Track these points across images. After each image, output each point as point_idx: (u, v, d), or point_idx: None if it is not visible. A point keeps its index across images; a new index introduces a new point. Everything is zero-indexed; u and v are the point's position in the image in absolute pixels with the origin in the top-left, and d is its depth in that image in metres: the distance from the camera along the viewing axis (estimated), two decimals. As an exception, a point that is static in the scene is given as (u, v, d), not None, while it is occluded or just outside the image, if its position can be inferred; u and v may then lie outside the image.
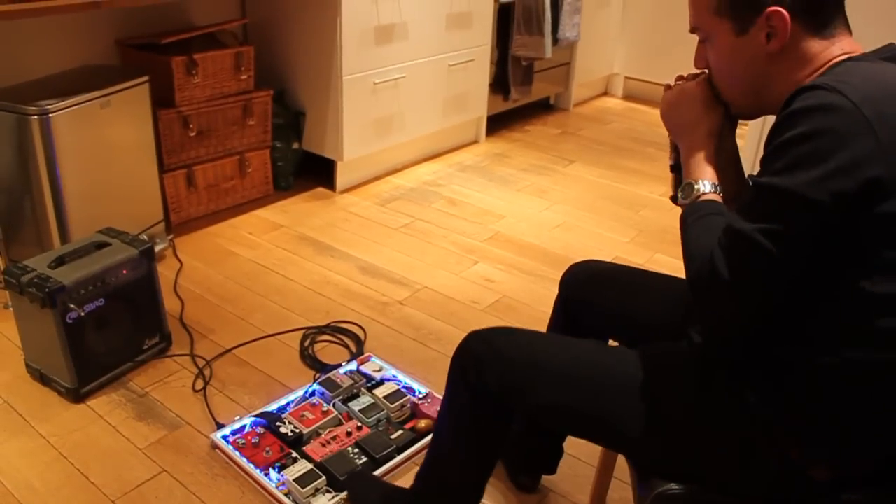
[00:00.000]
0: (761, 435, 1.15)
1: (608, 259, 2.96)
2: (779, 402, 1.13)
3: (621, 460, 1.81)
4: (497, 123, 4.38)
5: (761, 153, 1.09)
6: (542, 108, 4.82)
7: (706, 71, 1.27)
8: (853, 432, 1.10)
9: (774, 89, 1.15)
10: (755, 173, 1.10)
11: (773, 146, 1.05)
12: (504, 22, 4.00)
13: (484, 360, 1.35)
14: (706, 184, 1.22)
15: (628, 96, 5.17)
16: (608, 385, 1.27)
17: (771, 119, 1.12)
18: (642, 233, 3.20)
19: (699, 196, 1.21)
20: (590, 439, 1.34)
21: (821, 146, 0.99)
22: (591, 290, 1.57)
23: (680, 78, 1.34)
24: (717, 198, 1.21)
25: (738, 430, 1.16)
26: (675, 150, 1.34)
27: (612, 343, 1.57)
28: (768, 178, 1.03)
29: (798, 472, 1.14)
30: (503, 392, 1.34)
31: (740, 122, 1.35)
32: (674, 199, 1.34)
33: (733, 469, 1.17)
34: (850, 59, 1.10)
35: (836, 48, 1.12)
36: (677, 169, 1.33)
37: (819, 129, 0.99)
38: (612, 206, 3.45)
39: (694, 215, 1.19)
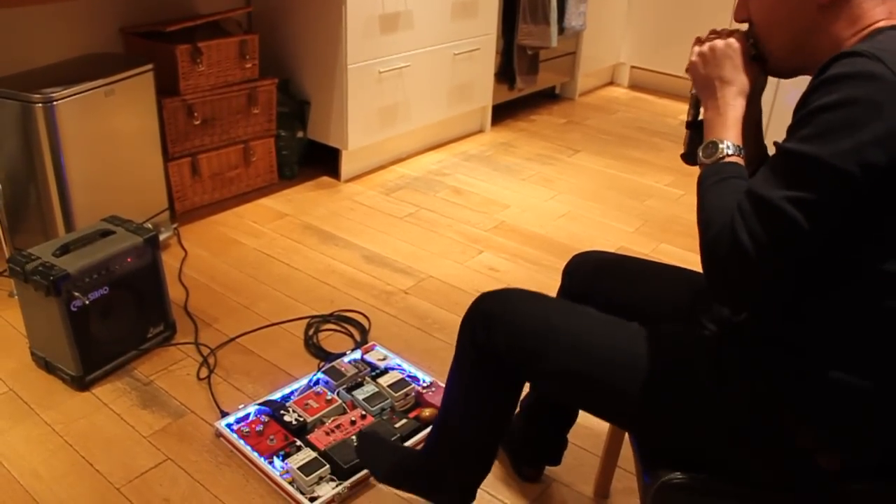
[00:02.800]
0: (771, 420, 1.14)
1: (613, 249, 2.95)
2: (791, 386, 1.12)
3: (626, 450, 1.81)
4: (502, 113, 4.36)
5: (773, 119, 1.06)
6: (548, 97, 4.81)
7: (740, 29, 1.24)
8: (865, 418, 1.09)
9: (818, 45, 1.11)
10: (779, 139, 1.07)
11: (806, 112, 1.02)
12: (510, 11, 3.98)
13: (496, 318, 1.35)
14: (730, 145, 1.18)
15: (634, 86, 5.14)
16: (620, 358, 1.26)
17: (796, 84, 1.08)
18: (647, 222, 3.19)
19: (723, 157, 1.17)
20: (596, 412, 1.33)
21: (855, 115, 0.96)
22: (595, 280, 1.56)
23: (713, 32, 1.29)
24: (740, 161, 1.17)
25: (748, 415, 1.16)
26: (693, 106, 1.30)
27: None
28: (797, 145, 1.01)
29: (807, 460, 1.13)
30: (513, 353, 1.34)
31: None
32: (685, 157, 1.31)
33: (741, 454, 1.17)
34: (893, 27, 1.06)
35: (884, 9, 1.08)
36: (693, 126, 1.29)
37: (855, 97, 0.96)
38: (617, 196, 3.44)
39: (715, 177, 1.15)
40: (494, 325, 1.35)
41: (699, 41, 1.29)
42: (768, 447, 1.14)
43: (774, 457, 1.14)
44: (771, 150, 1.32)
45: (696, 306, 1.39)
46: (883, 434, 1.11)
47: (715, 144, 1.18)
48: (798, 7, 1.11)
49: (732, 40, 1.24)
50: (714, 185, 1.14)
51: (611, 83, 5.22)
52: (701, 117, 1.29)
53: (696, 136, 1.28)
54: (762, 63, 1.24)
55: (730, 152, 1.17)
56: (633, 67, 5.10)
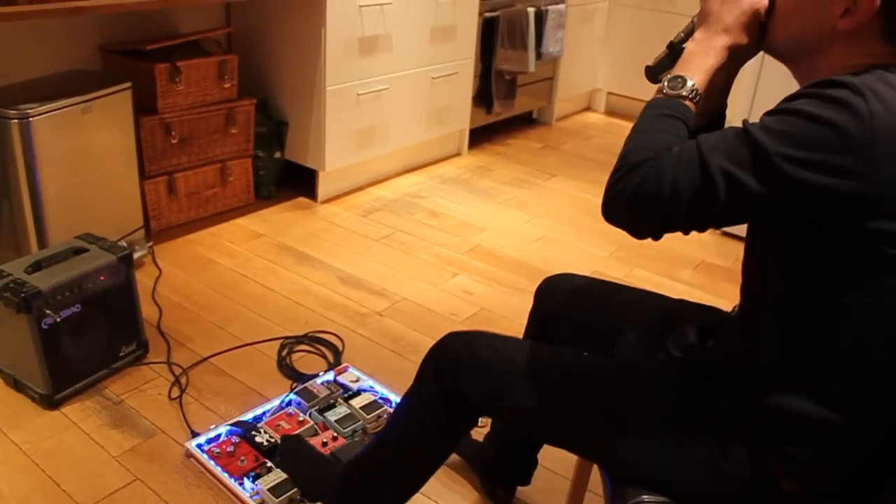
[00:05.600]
0: (735, 445, 1.16)
1: (587, 273, 2.97)
2: (752, 413, 1.14)
3: (596, 473, 1.81)
4: (479, 136, 4.39)
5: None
6: (525, 121, 4.85)
7: None
8: (825, 445, 1.11)
9: (817, 55, 1.13)
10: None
11: (784, 107, 1.05)
12: (488, 36, 4.02)
13: (462, 362, 1.36)
14: (694, 88, 1.19)
15: (610, 112, 5.20)
16: (584, 393, 1.27)
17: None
18: (622, 247, 3.22)
19: (682, 96, 1.18)
20: (564, 447, 1.35)
21: (819, 135, 0.99)
22: (566, 303, 1.58)
23: None
24: (693, 107, 1.19)
25: (713, 440, 1.17)
26: (687, 32, 1.29)
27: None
28: (757, 131, 1.04)
29: (770, 485, 1.15)
30: (477, 397, 1.35)
31: None
32: (649, 71, 1.31)
33: (706, 478, 1.18)
34: (886, 65, 1.07)
35: (888, 49, 1.08)
36: (673, 48, 1.29)
37: (829, 120, 0.99)
38: (592, 221, 3.47)
39: (665, 109, 1.18)
40: (460, 368, 1.35)
41: None
42: (732, 472, 1.16)
43: (738, 482, 1.16)
44: (730, 117, 1.34)
45: (663, 332, 1.41)
46: (843, 460, 1.13)
47: (683, 80, 1.19)
48: (819, 18, 1.11)
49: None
50: (661, 117, 1.17)
51: (587, 109, 5.28)
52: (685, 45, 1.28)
53: (670, 61, 1.28)
54: (763, 34, 1.23)
55: (690, 95, 1.19)
56: (609, 93, 5.16)
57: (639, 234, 1.14)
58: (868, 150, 0.97)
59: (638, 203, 1.10)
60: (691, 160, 1.07)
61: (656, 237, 1.14)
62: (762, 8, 1.20)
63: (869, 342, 1.05)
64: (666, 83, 1.21)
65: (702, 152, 1.07)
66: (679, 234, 1.15)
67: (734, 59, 1.24)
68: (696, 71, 1.20)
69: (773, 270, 1.12)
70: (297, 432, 1.98)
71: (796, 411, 1.10)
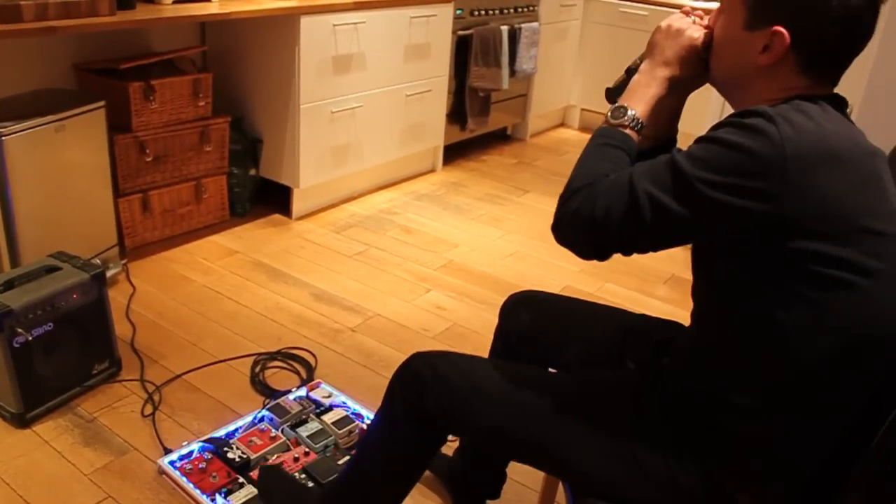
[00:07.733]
0: (690, 458, 1.20)
1: (559, 288, 3.01)
2: (703, 426, 1.18)
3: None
4: (454, 153, 4.44)
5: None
6: (499, 138, 4.90)
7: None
8: (773, 460, 1.15)
9: (746, 91, 1.21)
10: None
11: (707, 135, 1.12)
12: (462, 53, 4.07)
13: (426, 383, 1.38)
14: (635, 118, 1.27)
15: (584, 127, 5.27)
16: (546, 410, 1.31)
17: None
18: (593, 262, 3.25)
19: (624, 125, 1.27)
20: (529, 463, 1.38)
21: (734, 160, 1.07)
22: (529, 321, 1.61)
23: (699, 15, 1.33)
24: (635, 136, 1.27)
25: (668, 453, 1.21)
26: (643, 60, 1.35)
27: (550, 371, 1.61)
28: (682, 158, 1.12)
29: (725, 497, 1.19)
30: (443, 416, 1.37)
31: None
32: (609, 91, 1.40)
33: (662, 491, 1.22)
34: (802, 96, 1.14)
35: (806, 81, 1.16)
36: (630, 72, 1.36)
37: (743, 145, 1.06)
38: (564, 236, 3.50)
39: (607, 139, 1.27)
40: (425, 389, 1.38)
41: (686, 13, 1.33)
42: (687, 485, 1.19)
43: (694, 495, 1.19)
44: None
45: (622, 346, 1.45)
46: (795, 475, 1.17)
47: (624, 110, 1.28)
48: (744, 53, 1.19)
49: (700, 36, 1.29)
50: (603, 146, 1.26)
51: (561, 125, 5.34)
52: None
53: (627, 85, 1.36)
54: (707, 69, 1.30)
55: (631, 124, 1.27)
56: (583, 110, 5.23)
57: (581, 254, 1.23)
58: (780, 172, 1.04)
59: (576, 225, 1.20)
60: (623, 186, 1.15)
61: (600, 258, 1.21)
62: (699, 44, 1.29)
63: (808, 359, 1.10)
64: (610, 113, 1.29)
65: (632, 178, 1.15)
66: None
67: (676, 90, 1.32)
68: (638, 101, 1.29)
69: (713, 292, 1.18)
70: (269, 448, 2.00)
71: (745, 427, 1.14)
